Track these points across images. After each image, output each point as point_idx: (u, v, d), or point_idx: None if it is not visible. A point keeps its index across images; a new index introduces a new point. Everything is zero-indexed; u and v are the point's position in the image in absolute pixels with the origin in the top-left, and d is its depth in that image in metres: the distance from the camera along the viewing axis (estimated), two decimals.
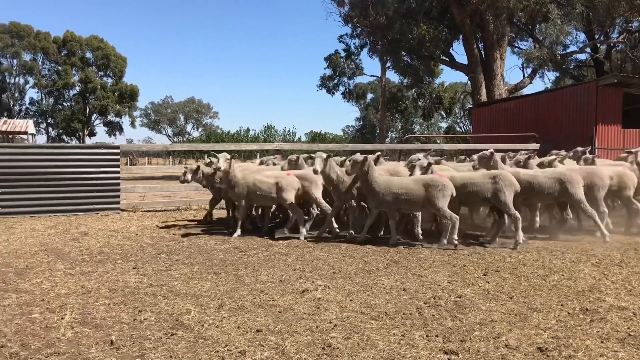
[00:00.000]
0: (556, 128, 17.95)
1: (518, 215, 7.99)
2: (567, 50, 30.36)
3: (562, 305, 4.91)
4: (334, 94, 47.03)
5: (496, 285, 5.68)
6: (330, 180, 8.58)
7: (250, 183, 8.88)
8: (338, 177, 8.53)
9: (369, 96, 65.20)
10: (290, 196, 8.75)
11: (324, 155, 8.47)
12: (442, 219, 8.05)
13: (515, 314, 4.65)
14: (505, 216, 8.28)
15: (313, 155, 8.70)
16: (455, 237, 7.79)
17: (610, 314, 4.63)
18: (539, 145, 16.72)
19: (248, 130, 49.98)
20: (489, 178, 8.18)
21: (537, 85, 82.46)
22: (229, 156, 8.94)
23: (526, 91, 32.29)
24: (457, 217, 7.90)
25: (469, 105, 36.79)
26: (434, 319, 4.54)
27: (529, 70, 32.39)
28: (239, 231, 8.97)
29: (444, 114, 58.54)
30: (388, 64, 40.14)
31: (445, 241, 7.86)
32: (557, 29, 24.99)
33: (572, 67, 34.74)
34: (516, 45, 32.84)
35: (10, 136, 42.18)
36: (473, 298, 5.17)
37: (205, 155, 11.10)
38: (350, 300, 5.12)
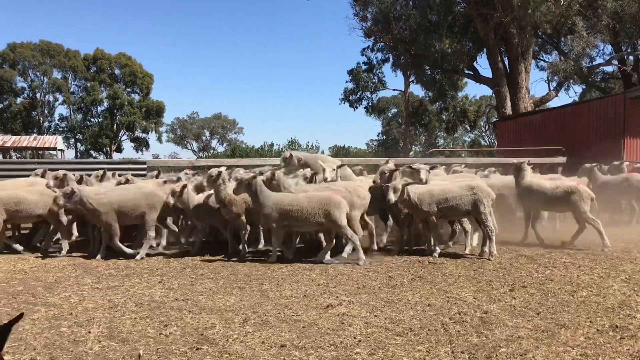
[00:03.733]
0: (583, 141, 17.73)
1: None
2: (594, 63, 29.96)
3: (591, 322, 4.82)
4: (356, 107, 47.11)
5: (523, 301, 5.60)
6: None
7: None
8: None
9: (392, 110, 65.16)
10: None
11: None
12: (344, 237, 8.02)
13: (542, 331, 4.58)
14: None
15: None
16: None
17: None
18: (565, 158, 16.51)
19: (272, 145, 50.21)
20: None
21: (563, 98, 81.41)
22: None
23: (552, 104, 31.95)
24: (358, 236, 7.94)
25: (494, 119, 36.52)
26: (460, 335, 4.50)
27: (554, 83, 32.07)
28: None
29: (468, 128, 58.08)
30: (412, 78, 40.10)
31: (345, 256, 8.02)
32: (583, 41, 24.75)
33: (598, 79, 34.26)
34: (541, 58, 32.54)
35: (40, 152, 43.07)
36: (499, 314, 5.10)
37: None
38: (375, 315, 5.10)
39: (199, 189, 9.26)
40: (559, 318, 4.94)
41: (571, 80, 30.43)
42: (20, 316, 2.05)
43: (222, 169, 8.61)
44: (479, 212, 8.21)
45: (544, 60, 32.48)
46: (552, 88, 31.88)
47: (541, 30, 26.60)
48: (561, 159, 16.57)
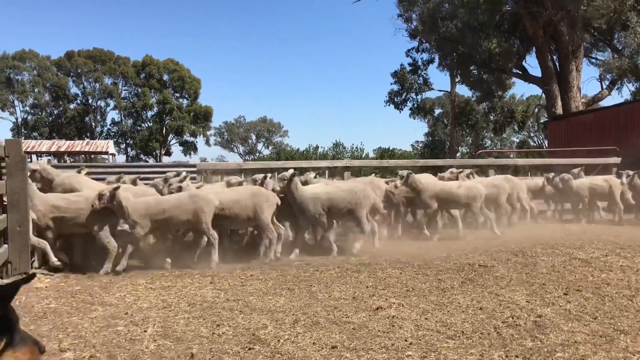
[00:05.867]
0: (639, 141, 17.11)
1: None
2: None
3: None
4: (401, 109, 46.84)
5: (578, 305, 5.45)
6: None
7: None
8: None
9: (438, 111, 64.53)
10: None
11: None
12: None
13: (600, 336, 4.45)
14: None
15: None
16: None
17: None
18: (620, 159, 15.99)
19: (317, 147, 50.39)
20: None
21: (616, 98, 78.54)
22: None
23: (605, 103, 31.04)
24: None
25: (544, 119, 35.66)
26: (513, 339, 4.41)
27: (607, 82, 31.07)
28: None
29: (516, 128, 56.92)
30: (458, 78, 39.60)
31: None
32: (638, 37, 23.93)
33: None
34: (593, 55, 31.62)
35: (92, 156, 44.55)
36: (554, 318, 4.98)
37: None
38: (426, 318, 5.05)
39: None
40: (618, 323, 4.79)
41: (625, 79, 29.47)
42: (31, 277, 2.09)
43: None
44: (199, 222, 7.85)
45: (596, 58, 31.57)
46: (604, 87, 30.94)
47: (593, 27, 25.87)
48: (615, 160, 16.04)
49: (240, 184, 10.10)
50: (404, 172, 10.51)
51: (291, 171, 8.91)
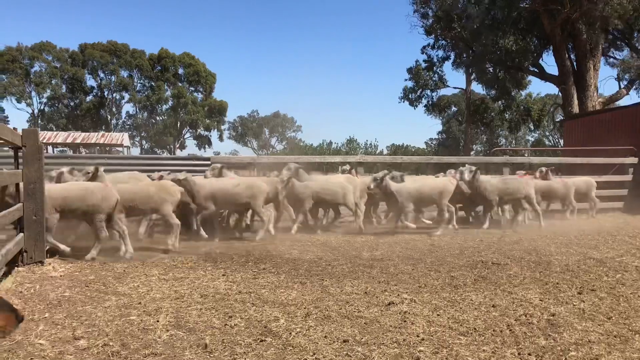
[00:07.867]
0: None
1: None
2: None
3: None
4: (416, 106, 46.61)
5: (592, 304, 5.40)
6: None
7: None
8: None
9: (452, 108, 64.17)
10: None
11: None
12: None
13: (614, 336, 4.41)
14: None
15: None
16: None
17: None
18: (637, 159, 15.82)
19: (330, 143, 50.44)
20: None
21: (634, 97, 77.49)
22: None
23: (622, 103, 30.68)
24: None
25: (560, 118, 35.33)
26: (526, 337, 4.39)
27: (625, 82, 30.69)
28: None
29: (532, 127, 56.43)
30: (473, 76, 39.31)
31: None
32: None
33: None
34: (611, 55, 31.25)
35: (107, 148, 44.89)
36: (567, 317, 4.94)
37: None
38: (438, 314, 5.04)
39: None
40: (633, 323, 4.74)
41: None
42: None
43: None
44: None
45: (614, 57, 31.21)
46: (622, 86, 30.58)
47: (612, 26, 25.55)
48: (632, 160, 15.87)
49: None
50: (181, 175, 9.78)
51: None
